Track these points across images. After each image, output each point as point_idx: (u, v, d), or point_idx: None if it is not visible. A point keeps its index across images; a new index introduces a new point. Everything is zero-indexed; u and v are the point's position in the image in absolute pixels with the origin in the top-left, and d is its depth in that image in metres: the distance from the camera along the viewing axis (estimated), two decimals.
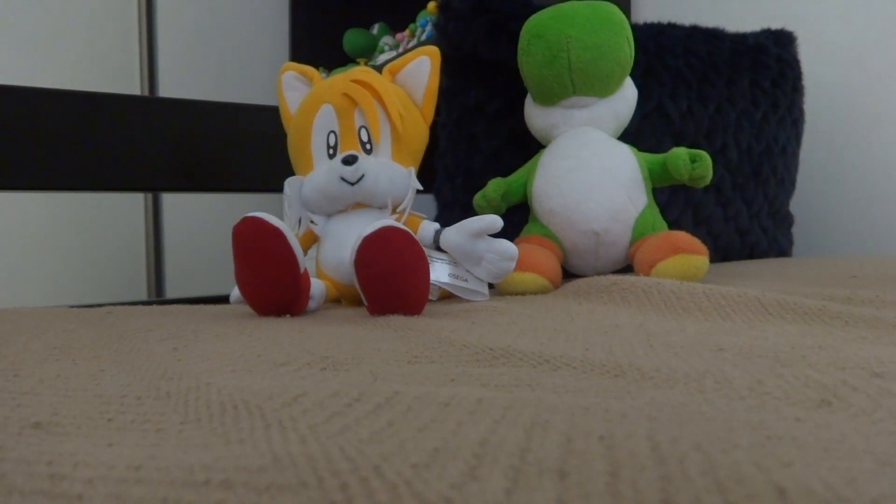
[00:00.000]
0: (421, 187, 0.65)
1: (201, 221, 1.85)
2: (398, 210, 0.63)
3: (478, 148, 0.84)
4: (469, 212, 0.77)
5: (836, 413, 0.23)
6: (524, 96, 0.79)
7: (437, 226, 0.63)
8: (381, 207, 0.63)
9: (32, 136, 0.78)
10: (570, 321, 0.47)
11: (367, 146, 0.64)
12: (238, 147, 0.89)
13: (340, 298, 0.64)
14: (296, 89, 0.71)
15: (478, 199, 0.76)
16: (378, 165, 0.62)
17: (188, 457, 0.20)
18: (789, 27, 1.06)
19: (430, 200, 0.89)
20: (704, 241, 0.64)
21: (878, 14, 1.07)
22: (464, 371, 0.32)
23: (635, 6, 1.36)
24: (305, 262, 0.55)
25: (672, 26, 0.94)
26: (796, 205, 1.09)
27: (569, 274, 0.73)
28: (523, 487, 0.17)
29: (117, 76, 1.81)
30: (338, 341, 0.40)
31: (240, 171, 0.89)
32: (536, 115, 0.77)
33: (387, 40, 1.62)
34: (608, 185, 0.69)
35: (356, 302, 0.62)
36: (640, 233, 0.69)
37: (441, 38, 0.84)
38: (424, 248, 0.52)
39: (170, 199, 1.89)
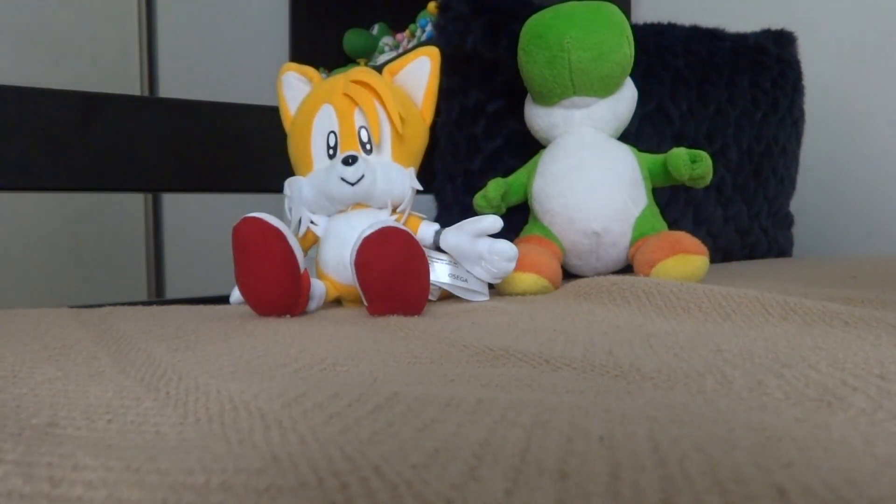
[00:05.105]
0: (421, 187, 0.65)
1: (201, 221, 1.85)
2: (398, 210, 0.63)
3: (478, 148, 0.84)
4: (469, 212, 0.77)
5: (836, 413, 0.23)
6: (524, 96, 0.79)
7: (437, 226, 0.63)
8: (381, 208, 0.63)
9: (32, 136, 0.78)
10: (571, 322, 0.47)
11: (368, 146, 0.64)
12: (238, 147, 0.89)
13: (340, 298, 0.64)
14: (296, 89, 0.71)
15: (478, 199, 0.76)
16: (378, 166, 0.62)
17: (187, 458, 0.20)
18: (789, 27, 1.06)
19: (430, 200, 0.88)
20: (704, 241, 0.64)
21: (878, 14, 1.07)
22: (464, 371, 0.32)
23: (635, 6, 1.36)
24: (305, 262, 0.55)
25: (672, 26, 0.94)
26: (796, 205, 1.09)
27: (569, 274, 0.73)
28: (523, 488, 0.17)
29: (117, 76, 1.81)
30: (338, 342, 0.40)
31: (240, 171, 0.89)
32: (536, 116, 0.76)
33: (387, 41, 1.62)
34: (608, 185, 0.69)
35: (356, 302, 0.62)
36: (640, 233, 0.69)
37: (441, 38, 0.83)
38: (424, 249, 0.52)
39: (170, 199, 1.89)
